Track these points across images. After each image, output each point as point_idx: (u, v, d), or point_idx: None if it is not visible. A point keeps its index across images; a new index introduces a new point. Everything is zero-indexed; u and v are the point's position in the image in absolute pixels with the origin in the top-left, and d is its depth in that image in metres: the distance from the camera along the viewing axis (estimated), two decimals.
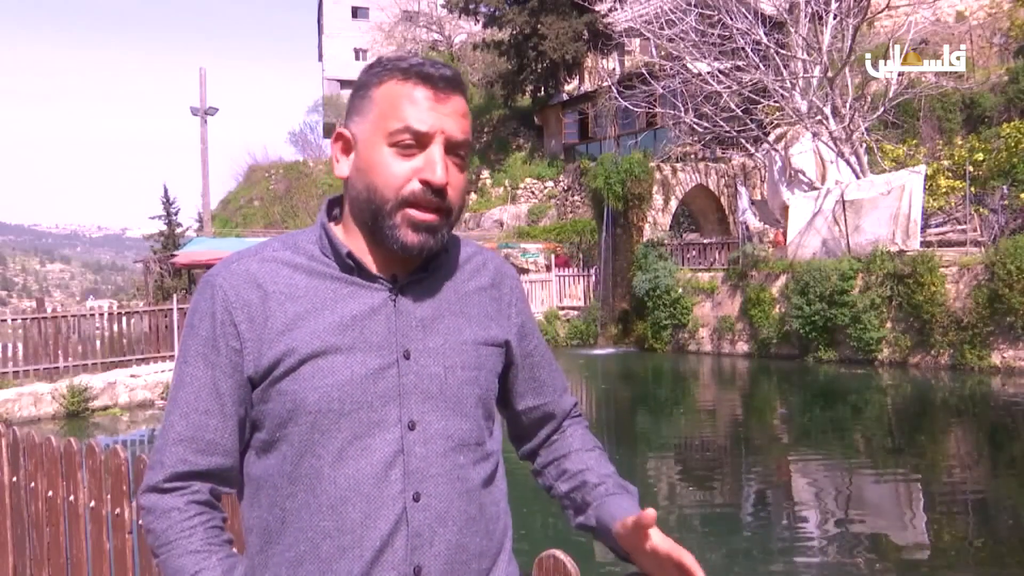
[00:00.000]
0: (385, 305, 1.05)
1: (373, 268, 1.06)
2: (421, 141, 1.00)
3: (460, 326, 1.09)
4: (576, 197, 25.22)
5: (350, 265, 1.05)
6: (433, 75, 1.02)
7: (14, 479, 2.84)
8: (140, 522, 1.03)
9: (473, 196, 29.67)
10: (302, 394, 0.99)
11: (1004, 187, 15.68)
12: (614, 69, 28.18)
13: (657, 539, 1.00)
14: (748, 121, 17.52)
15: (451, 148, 1.02)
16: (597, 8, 25.72)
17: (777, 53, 16.68)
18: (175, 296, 14.98)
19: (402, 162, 1.01)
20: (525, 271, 20.83)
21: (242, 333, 1.01)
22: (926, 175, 15.07)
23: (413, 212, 1.01)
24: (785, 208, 16.03)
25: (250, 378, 1.02)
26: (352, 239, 1.07)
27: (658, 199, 18.73)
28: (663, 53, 19.75)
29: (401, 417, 1.02)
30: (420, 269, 1.08)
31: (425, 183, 1.00)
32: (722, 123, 17.68)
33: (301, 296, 1.03)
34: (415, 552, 1.00)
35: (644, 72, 19.52)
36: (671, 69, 19.04)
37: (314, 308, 1.02)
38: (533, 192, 28.43)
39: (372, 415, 1.00)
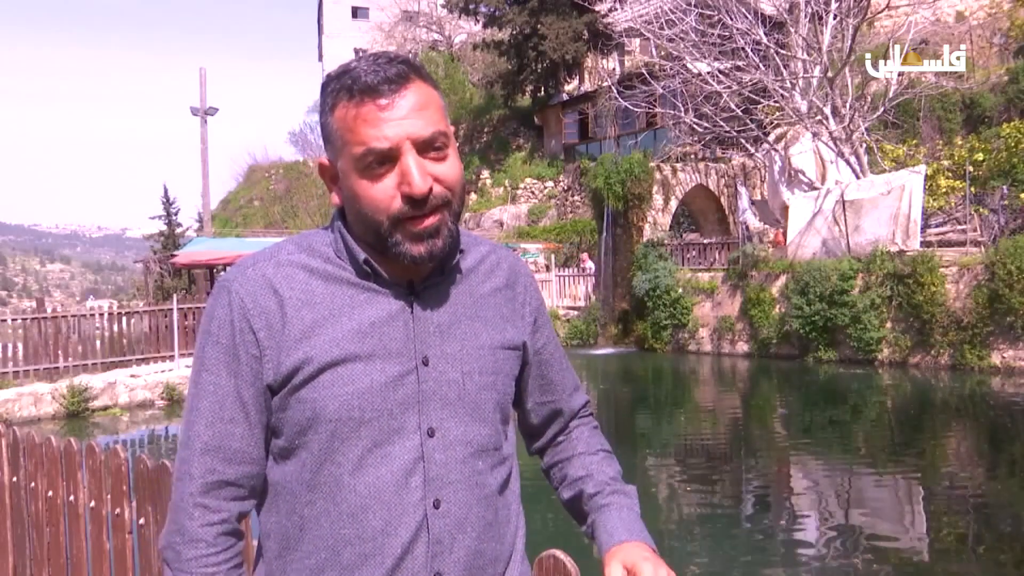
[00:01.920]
0: (403, 311, 1.03)
1: (389, 274, 1.04)
2: (390, 157, 0.97)
3: (477, 331, 1.08)
4: (576, 197, 25.24)
5: (367, 271, 1.03)
6: (376, 83, 0.96)
7: (14, 479, 2.84)
8: (162, 533, 1.03)
9: (473, 196, 29.67)
10: (322, 402, 0.98)
11: (1004, 187, 15.69)
12: (614, 69, 28.18)
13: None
14: (748, 121, 17.50)
15: (424, 147, 0.98)
16: (597, 8, 25.71)
17: (777, 53, 16.68)
18: (175, 296, 14.96)
19: (380, 184, 0.98)
20: None
21: (261, 341, 1.00)
22: (926, 175, 15.07)
23: (409, 225, 0.99)
24: (785, 208, 16.03)
25: (269, 386, 1.01)
26: (364, 247, 1.05)
27: (658, 199, 18.73)
28: (663, 53, 19.73)
29: (420, 424, 1.01)
30: (436, 273, 1.06)
31: (406, 196, 0.98)
32: (722, 123, 17.66)
33: (318, 302, 1.01)
34: (435, 559, 1.00)
35: (644, 72, 19.51)
36: (671, 69, 19.02)
37: (331, 315, 1.01)
38: (533, 192, 28.44)
39: (392, 423, 1.00)
